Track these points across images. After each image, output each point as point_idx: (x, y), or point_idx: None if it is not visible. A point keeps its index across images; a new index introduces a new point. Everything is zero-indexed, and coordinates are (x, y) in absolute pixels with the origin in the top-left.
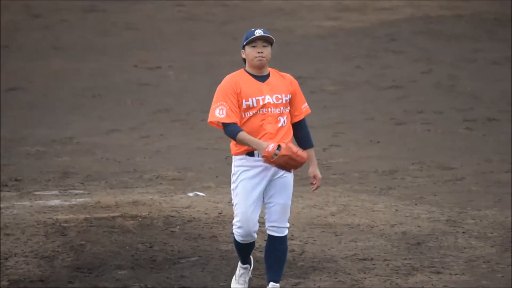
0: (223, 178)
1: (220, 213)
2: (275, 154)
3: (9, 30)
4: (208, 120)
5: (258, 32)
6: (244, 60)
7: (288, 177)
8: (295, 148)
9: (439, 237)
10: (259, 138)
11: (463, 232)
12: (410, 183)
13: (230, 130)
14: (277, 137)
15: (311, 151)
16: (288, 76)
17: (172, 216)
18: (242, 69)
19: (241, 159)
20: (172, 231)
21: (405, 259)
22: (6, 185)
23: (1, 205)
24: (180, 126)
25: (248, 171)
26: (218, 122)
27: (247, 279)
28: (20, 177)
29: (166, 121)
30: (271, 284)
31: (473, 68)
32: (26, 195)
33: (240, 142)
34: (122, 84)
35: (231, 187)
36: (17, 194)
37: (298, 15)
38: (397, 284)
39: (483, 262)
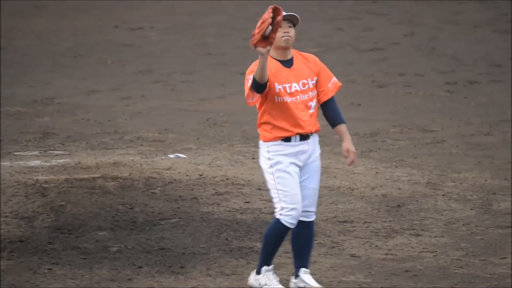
0: (204, 140)
1: (201, 175)
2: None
3: None
4: (247, 102)
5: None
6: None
7: (318, 162)
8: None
9: (419, 199)
10: (299, 127)
11: (443, 195)
12: (391, 145)
13: (254, 87)
14: (311, 122)
15: (343, 127)
16: (312, 57)
17: (153, 178)
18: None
19: (277, 145)
20: (152, 193)
21: (385, 221)
22: None
23: None
24: (161, 87)
25: (286, 156)
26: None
27: (276, 278)
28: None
29: (147, 82)
30: (303, 270)
31: (455, 31)
32: (6, 155)
33: (258, 76)
34: (103, 45)
35: (268, 172)
36: None
37: None
38: (376, 246)
39: (463, 224)
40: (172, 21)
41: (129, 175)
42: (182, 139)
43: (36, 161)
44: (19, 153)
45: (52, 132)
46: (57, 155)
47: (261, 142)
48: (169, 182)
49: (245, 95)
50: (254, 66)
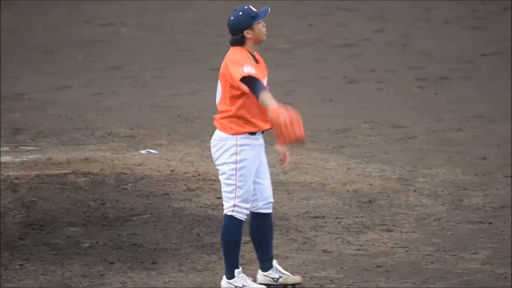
0: (176, 136)
1: (172, 171)
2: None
3: None
4: (238, 77)
5: (254, 8)
6: (240, 39)
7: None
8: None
9: (390, 195)
10: (267, 123)
11: (414, 190)
12: (362, 141)
13: (259, 86)
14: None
15: None
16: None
17: (124, 174)
18: (242, 48)
19: (244, 138)
20: (124, 189)
21: (357, 217)
22: None
23: None
24: (133, 83)
25: (251, 150)
26: (249, 75)
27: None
28: None
29: (118, 78)
30: (274, 261)
31: (426, 27)
32: None
33: (262, 101)
34: (74, 40)
35: (230, 167)
36: None
37: None
38: (348, 241)
39: (434, 220)
40: (143, 17)
41: (100, 171)
42: (154, 135)
43: (7, 156)
44: None
45: (23, 128)
46: (28, 151)
47: (225, 135)
48: (140, 178)
49: (239, 75)
50: (242, 56)
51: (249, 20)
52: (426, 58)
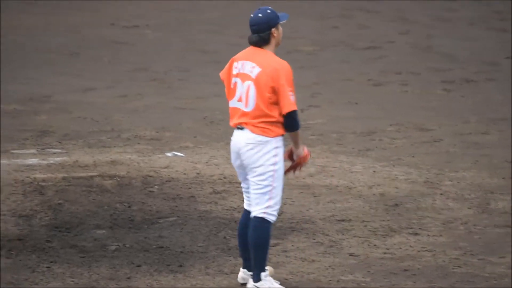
0: (201, 138)
1: (198, 174)
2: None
3: None
4: (291, 108)
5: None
6: (267, 38)
7: None
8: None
9: (417, 198)
10: None
11: (441, 194)
12: (388, 144)
13: (298, 119)
14: None
15: None
16: None
17: (150, 176)
18: (270, 51)
19: (281, 140)
20: (150, 191)
21: (383, 220)
22: None
23: None
24: (158, 85)
25: (282, 153)
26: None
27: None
28: None
29: (143, 80)
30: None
31: (450, 28)
32: (4, 153)
33: (296, 135)
34: (99, 42)
35: (269, 169)
36: None
37: None
38: (375, 245)
39: (460, 223)
40: (167, 18)
41: (127, 174)
42: (179, 137)
43: (33, 159)
44: (16, 151)
45: (49, 130)
46: (54, 153)
47: (266, 138)
48: (166, 181)
49: (292, 108)
50: (291, 72)
51: (276, 19)
52: (451, 60)
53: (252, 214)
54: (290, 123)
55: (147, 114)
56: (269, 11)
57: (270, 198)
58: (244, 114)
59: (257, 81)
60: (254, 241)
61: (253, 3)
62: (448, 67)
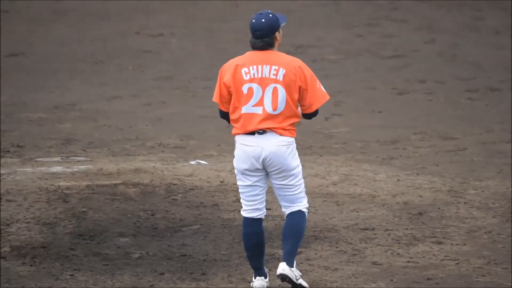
0: (225, 147)
1: (222, 182)
2: None
3: None
4: (327, 99)
5: None
6: (273, 42)
7: None
8: None
9: (440, 207)
10: None
11: (465, 203)
12: (412, 153)
13: None
14: None
15: None
16: None
17: (174, 184)
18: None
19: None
20: (174, 199)
21: (407, 229)
22: (8, 151)
23: (3, 171)
24: (182, 93)
25: None
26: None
27: None
28: (22, 143)
29: (168, 88)
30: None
31: (475, 37)
32: (28, 161)
33: None
34: (124, 51)
35: (299, 169)
36: (19, 161)
37: None
38: (398, 254)
39: (484, 232)
40: (192, 27)
41: (150, 182)
42: (203, 146)
43: (58, 167)
44: (41, 159)
45: (74, 138)
46: (78, 161)
47: (292, 139)
48: (190, 189)
49: (326, 99)
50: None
51: (278, 22)
52: (476, 68)
53: (294, 209)
54: (315, 114)
55: (171, 122)
56: (270, 15)
57: (305, 196)
58: (268, 118)
59: (285, 83)
60: (299, 230)
61: (277, 11)
62: (473, 76)
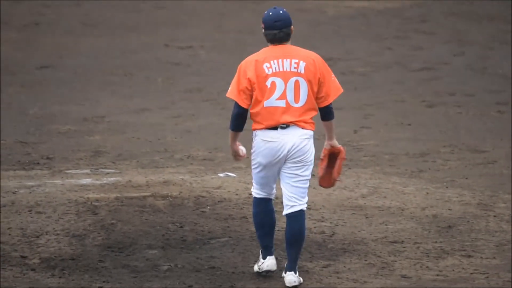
0: None
1: (250, 194)
2: None
3: (41, 8)
4: (341, 92)
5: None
6: (290, 34)
7: None
8: None
9: (470, 220)
10: None
11: (494, 216)
12: (441, 166)
13: None
14: None
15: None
16: None
17: (202, 197)
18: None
19: None
20: (202, 211)
21: (436, 242)
22: (38, 163)
23: (33, 183)
24: (211, 105)
25: None
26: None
27: None
28: (51, 155)
29: (197, 101)
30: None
31: (505, 50)
32: (58, 173)
33: (333, 124)
34: (153, 63)
35: (313, 162)
36: (48, 173)
37: None
38: (427, 267)
39: None
40: (221, 40)
41: (179, 194)
42: (232, 158)
43: (87, 179)
44: (70, 171)
45: (103, 150)
46: (107, 173)
47: (312, 132)
48: (218, 201)
49: (340, 92)
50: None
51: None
52: (505, 81)
53: (296, 209)
54: (332, 109)
55: (200, 134)
56: (284, 9)
57: (306, 192)
58: (291, 110)
59: (307, 76)
60: (303, 235)
61: (307, 24)
62: (503, 89)
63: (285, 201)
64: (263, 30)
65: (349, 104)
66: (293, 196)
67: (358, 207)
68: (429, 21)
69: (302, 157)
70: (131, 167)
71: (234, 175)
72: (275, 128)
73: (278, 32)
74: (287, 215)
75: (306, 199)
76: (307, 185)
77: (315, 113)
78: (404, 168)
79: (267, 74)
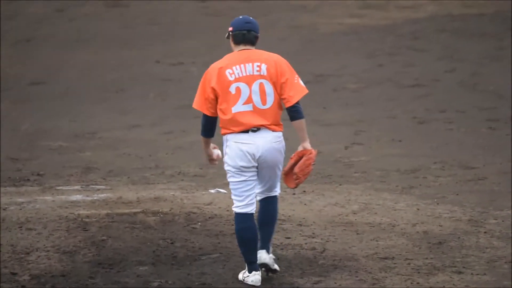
0: None
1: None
2: None
3: (34, 24)
4: (305, 93)
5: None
6: (256, 40)
7: None
8: None
9: (460, 236)
10: None
11: (485, 232)
12: (432, 182)
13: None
14: None
15: None
16: None
17: (193, 213)
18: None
19: None
20: (193, 228)
21: (427, 258)
22: (28, 179)
23: (23, 200)
24: None
25: None
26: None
27: None
28: (42, 172)
29: (188, 117)
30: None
31: (496, 67)
32: (48, 189)
33: (303, 124)
34: (145, 79)
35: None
36: (39, 189)
37: (321, 12)
38: (418, 283)
39: (505, 262)
40: (212, 56)
41: (170, 210)
42: (223, 174)
43: (78, 195)
44: (61, 187)
45: (94, 166)
46: (98, 189)
47: (281, 133)
48: (209, 217)
49: (304, 92)
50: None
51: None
52: (497, 98)
53: (272, 194)
54: (299, 109)
55: (191, 151)
56: (250, 18)
57: (279, 180)
58: (259, 113)
59: (270, 77)
60: (275, 215)
61: (300, 40)
62: (494, 105)
63: (258, 190)
64: (230, 33)
65: (341, 120)
66: (266, 191)
67: (349, 223)
68: (421, 38)
69: (276, 161)
70: (122, 183)
71: (225, 191)
72: (246, 131)
73: (247, 32)
74: (260, 200)
75: (279, 187)
76: (279, 177)
77: (280, 114)
78: (395, 184)
79: (230, 81)
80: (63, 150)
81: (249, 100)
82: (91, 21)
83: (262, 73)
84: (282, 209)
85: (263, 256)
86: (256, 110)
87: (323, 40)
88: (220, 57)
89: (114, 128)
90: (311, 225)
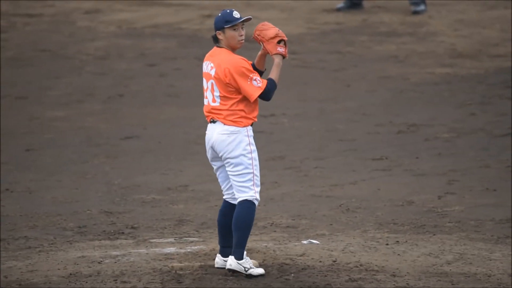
0: (337, 226)
1: (334, 261)
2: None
3: (125, 79)
4: (256, 96)
5: (237, 14)
6: (215, 38)
7: None
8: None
9: None
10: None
11: None
12: None
13: (272, 86)
14: None
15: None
16: None
17: (286, 264)
18: (228, 50)
19: (251, 129)
20: (286, 279)
21: None
22: (122, 232)
23: (118, 253)
24: (294, 173)
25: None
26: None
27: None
28: (136, 225)
29: (280, 169)
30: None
31: None
32: (142, 242)
33: (275, 77)
34: None
35: (247, 158)
36: (133, 242)
37: (411, 62)
38: None
39: None
40: (303, 107)
41: (263, 261)
42: (315, 225)
43: (171, 248)
44: (154, 240)
45: (187, 219)
46: (191, 241)
47: (237, 128)
48: (302, 269)
49: (256, 93)
50: (246, 65)
51: (222, 23)
52: None
53: (240, 199)
54: (268, 97)
55: (283, 202)
56: (220, 14)
57: (254, 185)
58: (211, 108)
59: (216, 79)
60: (241, 223)
61: (390, 91)
62: None
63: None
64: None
65: (433, 170)
66: (235, 193)
67: (444, 274)
68: None
69: (224, 154)
70: (215, 235)
71: (318, 242)
72: (210, 122)
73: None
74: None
75: (248, 193)
76: (244, 179)
77: (233, 110)
78: (490, 233)
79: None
80: (156, 203)
81: (206, 95)
82: (182, 75)
83: (213, 74)
84: (375, 259)
85: (230, 261)
86: (209, 105)
87: (413, 90)
88: (310, 109)
89: (206, 180)
90: (405, 275)
